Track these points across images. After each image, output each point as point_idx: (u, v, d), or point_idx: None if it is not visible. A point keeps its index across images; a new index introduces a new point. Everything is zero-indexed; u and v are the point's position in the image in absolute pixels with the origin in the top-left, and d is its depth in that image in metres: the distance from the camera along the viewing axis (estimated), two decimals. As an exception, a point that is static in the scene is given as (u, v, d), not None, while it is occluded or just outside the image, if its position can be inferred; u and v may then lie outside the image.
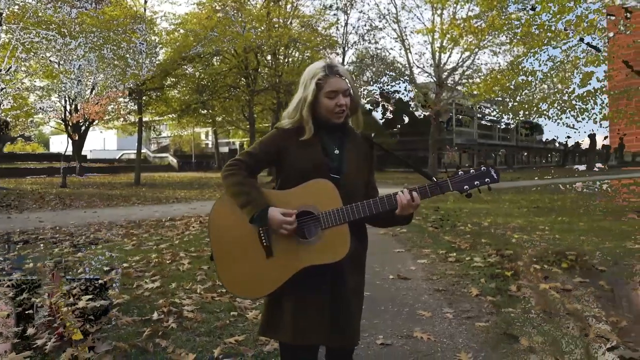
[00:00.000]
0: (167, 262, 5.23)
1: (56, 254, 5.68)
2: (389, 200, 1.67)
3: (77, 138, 26.31)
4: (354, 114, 1.81)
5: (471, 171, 1.70)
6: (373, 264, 5.20)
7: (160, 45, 22.58)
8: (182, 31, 21.35)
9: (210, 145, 50.68)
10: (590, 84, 14.41)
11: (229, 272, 1.72)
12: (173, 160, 42.76)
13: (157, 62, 21.46)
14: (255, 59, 21.35)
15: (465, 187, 1.68)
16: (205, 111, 27.53)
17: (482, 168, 1.69)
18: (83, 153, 31.03)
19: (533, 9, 11.89)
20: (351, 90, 1.73)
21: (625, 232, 7.23)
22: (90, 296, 3.62)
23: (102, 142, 53.36)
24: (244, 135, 40.88)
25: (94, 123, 26.21)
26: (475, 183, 1.68)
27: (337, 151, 1.75)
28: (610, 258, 5.30)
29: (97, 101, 21.11)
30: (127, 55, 20.17)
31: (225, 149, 48.63)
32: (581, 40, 12.19)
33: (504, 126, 51.55)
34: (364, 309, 1.83)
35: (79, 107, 22.68)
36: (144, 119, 25.20)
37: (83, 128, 26.74)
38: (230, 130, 41.96)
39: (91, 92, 22.60)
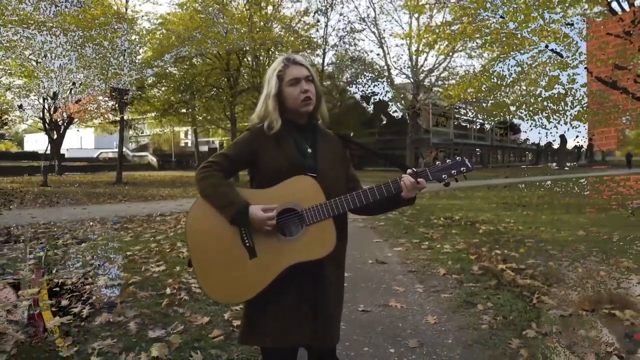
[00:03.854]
0: (167, 250, 5.71)
1: (60, 245, 6.09)
2: (364, 194, 1.70)
3: (55, 137, 26.24)
4: (318, 105, 1.80)
5: (447, 161, 1.74)
6: (353, 251, 5.79)
7: (141, 45, 22.77)
8: (163, 31, 21.56)
9: (190, 144, 50.66)
10: (556, 87, 15.39)
11: (211, 278, 1.65)
12: (153, 159, 42.66)
13: (138, 62, 21.65)
14: (237, 59, 21.77)
15: (443, 176, 1.72)
16: (186, 110, 27.79)
17: (457, 158, 1.75)
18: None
19: (502, 17, 12.72)
20: (312, 77, 1.75)
21: (580, 223, 8.03)
22: (105, 277, 4.14)
23: (79, 140, 52.68)
24: (224, 135, 41.13)
25: (74, 122, 26.18)
26: (452, 172, 1.72)
27: (310, 150, 1.76)
28: (562, 244, 6.04)
29: (77, 100, 21.23)
30: (109, 55, 20.31)
31: (204, 148, 48.73)
32: (546, 46, 13.07)
33: (479, 126, 53.03)
34: (345, 286, 1.90)
35: (58, 106, 22.69)
36: (125, 118, 25.30)
37: (62, 127, 26.65)
38: (210, 130, 42.14)
39: (70, 91, 22.62)
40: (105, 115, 25.44)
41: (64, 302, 3.40)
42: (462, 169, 1.73)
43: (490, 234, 6.99)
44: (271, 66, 1.79)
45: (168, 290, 3.86)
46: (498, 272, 4.61)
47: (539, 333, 3.04)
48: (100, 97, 23.41)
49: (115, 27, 19.83)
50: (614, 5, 11.92)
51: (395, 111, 31.13)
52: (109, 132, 30.75)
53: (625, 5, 11.76)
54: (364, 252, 5.83)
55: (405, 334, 3.15)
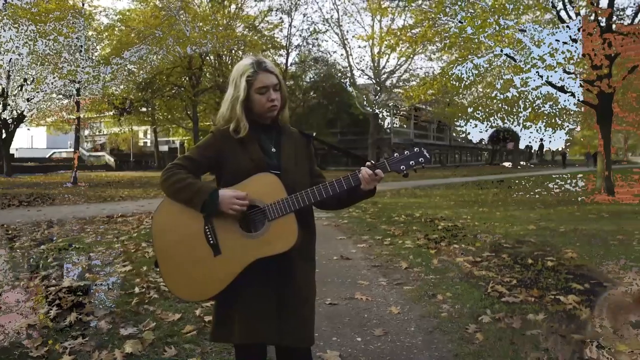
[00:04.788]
0: (132, 250, 5.67)
1: (17, 247, 5.92)
2: (325, 188, 1.72)
3: (4, 136, 25.02)
4: (282, 109, 1.82)
5: (405, 152, 1.74)
6: (319, 248, 5.84)
7: (97, 41, 22.05)
8: (122, 27, 21.03)
9: (149, 144, 49.45)
10: (510, 90, 16.12)
11: (177, 277, 1.70)
12: (110, 159, 41.35)
13: (95, 59, 21.00)
14: (200, 58, 21.52)
15: (401, 167, 1.73)
16: (146, 109, 27.21)
17: (415, 149, 1.75)
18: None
19: (461, 22, 13.23)
20: (280, 85, 1.77)
21: (531, 219, 8.51)
22: (71, 278, 4.10)
23: (29, 140, 50.38)
24: (185, 134, 40.45)
25: (25, 120, 25.04)
26: (411, 163, 1.73)
27: (274, 149, 1.79)
28: (515, 238, 6.42)
29: (31, 97, 20.40)
30: (64, 51, 19.58)
31: (164, 148, 47.69)
32: (501, 51, 13.68)
33: (437, 126, 54.49)
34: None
35: (8, 103, 21.71)
36: (81, 116, 24.43)
37: (12, 125, 25.44)
38: (171, 129, 41.36)
39: (21, 87, 21.68)
40: (60, 114, 24.50)
41: (29, 304, 3.36)
42: (420, 159, 1.74)
43: (448, 230, 7.32)
44: (238, 67, 1.76)
45: (137, 290, 3.87)
46: (456, 265, 4.88)
47: (492, 318, 3.28)
48: (54, 95, 22.55)
49: (72, 22, 19.12)
50: (563, 14, 12.63)
51: (361, 114, 31.47)
52: (63, 131, 29.62)
53: (572, 14, 12.49)
54: (329, 249, 5.98)
55: (371, 324, 3.32)
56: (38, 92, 21.05)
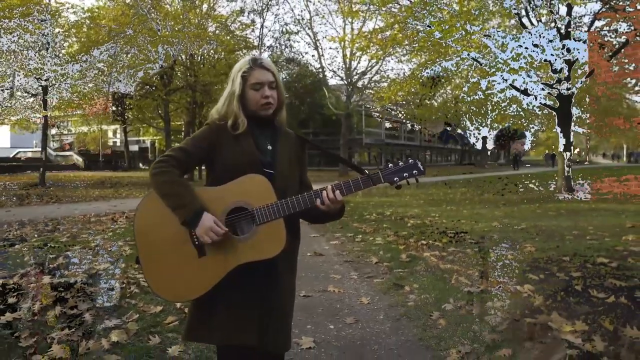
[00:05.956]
0: (109, 249, 5.74)
1: (-9, 247, 5.89)
2: (316, 194, 1.70)
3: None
4: (280, 109, 1.81)
5: (400, 164, 1.74)
6: (294, 245, 6.15)
7: (64, 38, 21.51)
8: (91, 25, 20.62)
9: (118, 144, 48.50)
10: (478, 93, 16.72)
11: (157, 275, 1.65)
12: (79, 159, 40.34)
13: (62, 56, 20.53)
14: (171, 57, 21.34)
15: (395, 179, 1.72)
16: (116, 108, 26.75)
17: (410, 161, 1.75)
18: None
19: (429, 26, 13.69)
20: (277, 83, 1.75)
21: (495, 216, 8.94)
22: (50, 275, 4.18)
23: (-9, 139, 48.59)
24: (156, 134, 39.91)
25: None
26: (404, 175, 1.73)
27: (269, 147, 1.76)
28: (479, 234, 6.79)
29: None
30: (30, 47, 19.09)
31: (135, 147, 46.87)
32: (468, 54, 14.21)
33: (409, 127, 55.46)
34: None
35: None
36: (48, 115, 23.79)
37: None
38: (141, 129, 40.73)
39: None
40: (25, 112, 23.79)
41: (11, 300, 3.45)
42: (414, 171, 1.74)
43: (417, 227, 7.65)
44: (238, 64, 1.77)
45: (117, 285, 4.00)
46: (423, 259, 5.18)
47: (455, 306, 3.57)
48: (19, 93, 21.93)
49: (39, 18, 18.66)
50: (525, 20, 13.22)
51: (333, 115, 31.74)
52: (29, 130, 28.78)
53: (534, 21, 13.09)
54: (302, 246, 6.04)
55: (343, 313, 3.56)
56: (2, 90, 20.44)
